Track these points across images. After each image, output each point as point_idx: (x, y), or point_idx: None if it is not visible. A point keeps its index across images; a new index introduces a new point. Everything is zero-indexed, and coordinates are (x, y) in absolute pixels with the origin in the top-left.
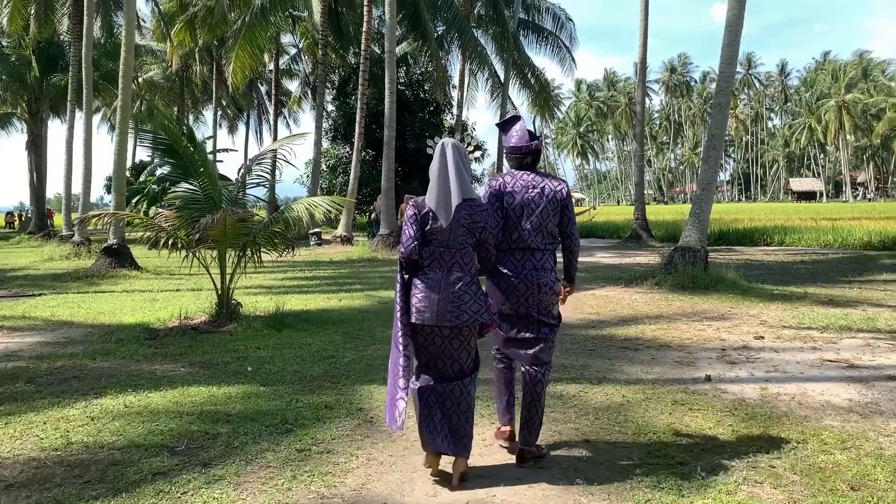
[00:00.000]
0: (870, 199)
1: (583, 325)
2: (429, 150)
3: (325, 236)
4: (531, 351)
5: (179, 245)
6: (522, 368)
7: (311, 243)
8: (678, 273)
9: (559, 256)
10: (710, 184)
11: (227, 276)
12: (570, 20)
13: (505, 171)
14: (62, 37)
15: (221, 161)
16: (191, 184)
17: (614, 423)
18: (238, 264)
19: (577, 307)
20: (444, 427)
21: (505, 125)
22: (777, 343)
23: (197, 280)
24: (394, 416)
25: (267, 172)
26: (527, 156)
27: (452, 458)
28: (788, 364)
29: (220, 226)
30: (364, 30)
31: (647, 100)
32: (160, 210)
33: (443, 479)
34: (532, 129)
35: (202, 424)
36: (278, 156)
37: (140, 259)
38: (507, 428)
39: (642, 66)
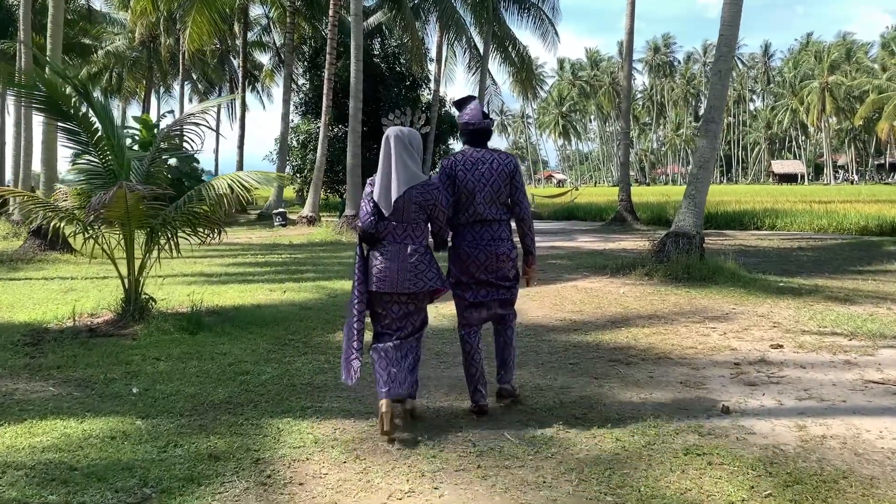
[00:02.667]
0: (852, 182)
1: (563, 328)
2: (384, 127)
3: (291, 216)
4: (493, 310)
5: (77, 229)
6: (492, 322)
7: (275, 224)
8: (671, 262)
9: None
10: (709, 161)
11: (136, 266)
12: None
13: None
14: (11, 0)
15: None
16: (90, 153)
17: (606, 488)
18: (148, 252)
19: (556, 303)
20: (399, 376)
21: (461, 104)
22: (800, 355)
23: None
24: (349, 374)
25: (190, 140)
26: (477, 131)
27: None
28: (823, 387)
29: (119, 205)
30: None
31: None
32: (59, 186)
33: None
34: (486, 111)
35: (25, 488)
36: (198, 122)
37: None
38: (483, 404)
39: (629, 38)
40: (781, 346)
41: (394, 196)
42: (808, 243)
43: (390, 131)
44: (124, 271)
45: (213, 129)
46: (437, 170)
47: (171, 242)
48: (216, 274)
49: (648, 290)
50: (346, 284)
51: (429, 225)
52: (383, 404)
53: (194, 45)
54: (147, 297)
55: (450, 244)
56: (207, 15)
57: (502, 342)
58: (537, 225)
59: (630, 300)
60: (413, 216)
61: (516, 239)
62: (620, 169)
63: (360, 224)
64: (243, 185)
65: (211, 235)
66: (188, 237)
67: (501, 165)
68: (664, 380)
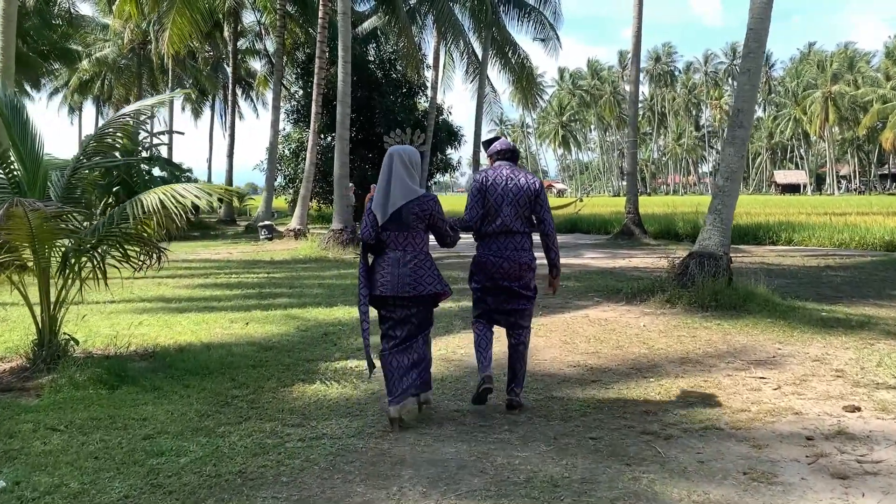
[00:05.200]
0: (860, 192)
1: (578, 379)
2: (386, 146)
3: (279, 227)
4: (512, 319)
5: None
6: (508, 336)
7: (261, 237)
8: (696, 287)
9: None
10: (736, 172)
11: (51, 302)
12: None
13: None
14: None
15: (164, 143)
16: None
17: None
18: (64, 283)
19: (567, 340)
20: (408, 376)
21: (489, 142)
22: (887, 422)
23: (92, 294)
24: (371, 368)
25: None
26: (507, 150)
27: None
28: None
29: (19, 226)
30: None
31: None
32: None
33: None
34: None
35: None
36: (129, 124)
37: None
38: (488, 373)
39: (636, 41)
40: (859, 409)
41: (390, 209)
42: (835, 261)
43: (393, 149)
44: (33, 309)
45: (153, 134)
46: (435, 181)
47: (97, 270)
48: (177, 298)
49: (673, 321)
50: (322, 313)
51: (430, 233)
52: (391, 410)
53: (175, 46)
54: (66, 337)
55: (475, 253)
56: (188, 15)
57: (514, 356)
58: None
59: (654, 336)
60: (413, 224)
61: (538, 253)
62: (627, 179)
63: (361, 235)
64: (180, 200)
65: (147, 261)
66: (119, 263)
67: (528, 184)
68: (719, 466)
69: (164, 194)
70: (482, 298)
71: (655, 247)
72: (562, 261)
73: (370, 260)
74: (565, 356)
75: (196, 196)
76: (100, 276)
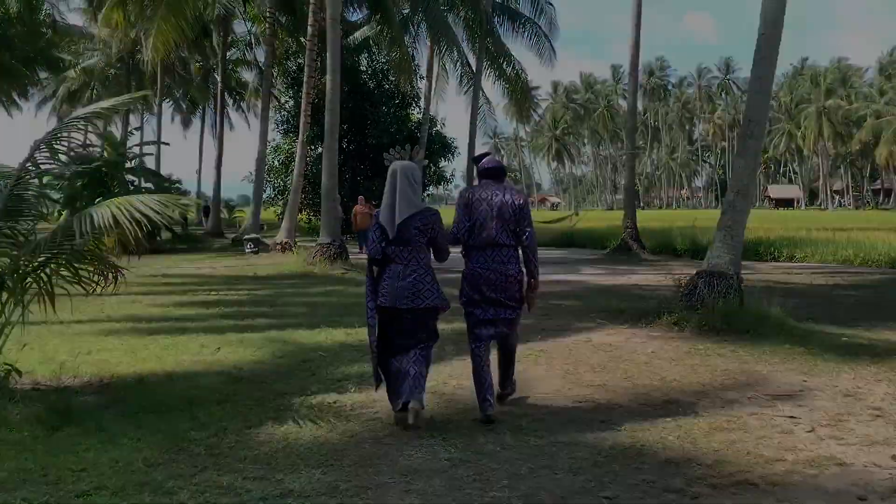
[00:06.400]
0: (857, 208)
1: (585, 418)
2: (386, 163)
3: (267, 240)
4: (499, 328)
5: None
6: (498, 342)
7: (247, 250)
8: (706, 308)
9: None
10: (748, 185)
11: None
12: (551, 4)
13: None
14: None
15: (150, 153)
16: None
17: None
18: (3, 308)
19: (570, 369)
20: (405, 384)
21: (478, 158)
22: None
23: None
24: (379, 377)
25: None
26: (493, 168)
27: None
28: None
29: None
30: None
31: (624, 102)
32: None
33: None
34: (498, 159)
35: None
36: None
37: None
38: (490, 413)
39: (634, 52)
40: None
41: (397, 221)
42: (843, 279)
43: (395, 165)
44: None
45: (102, 135)
46: (429, 193)
47: (44, 291)
48: (149, 318)
49: (683, 347)
50: (302, 336)
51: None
52: (397, 416)
53: (159, 53)
54: (7, 367)
55: (464, 267)
56: (174, 21)
57: (504, 355)
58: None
59: (665, 364)
60: (416, 239)
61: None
62: (624, 192)
63: (367, 251)
64: (135, 215)
65: (101, 282)
66: (68, 285)
67: (512, 198)
68: None
69: (118, 208)
70: (471, 312)
71: (655, 262)
72: (560, 277)
73: (375, 272)
74: (569, 389)
75: (153, 210)
76: (46, 297)
